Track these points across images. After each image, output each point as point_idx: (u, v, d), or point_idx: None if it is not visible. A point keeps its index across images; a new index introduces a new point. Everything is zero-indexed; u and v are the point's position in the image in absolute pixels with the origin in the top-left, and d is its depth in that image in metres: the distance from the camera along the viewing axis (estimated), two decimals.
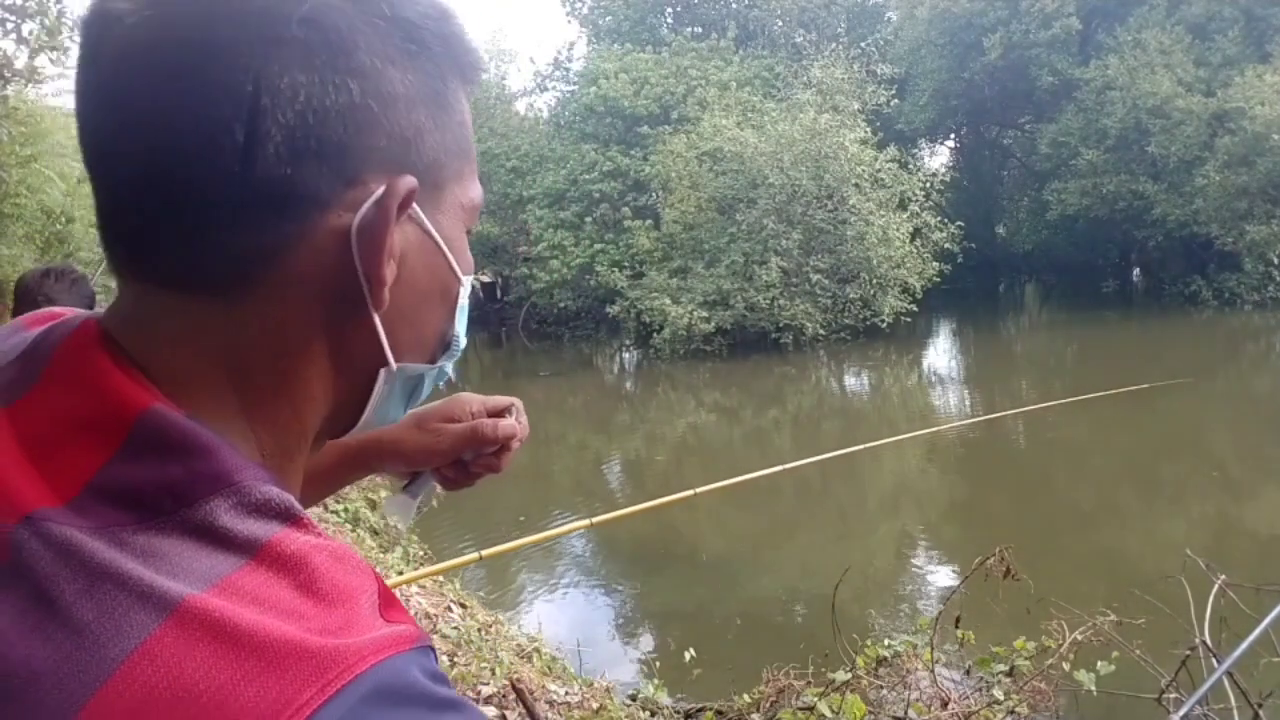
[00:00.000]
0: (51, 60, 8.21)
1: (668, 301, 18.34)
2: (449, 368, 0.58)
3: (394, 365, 0.52)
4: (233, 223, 0.44)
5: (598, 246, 22.77)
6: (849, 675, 3.08)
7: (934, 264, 19.19)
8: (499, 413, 0.90)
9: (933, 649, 3.17)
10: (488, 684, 3.39)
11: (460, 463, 0.90)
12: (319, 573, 0.42)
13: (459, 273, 0.53)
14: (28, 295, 2.35)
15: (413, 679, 0.40)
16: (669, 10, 29.48)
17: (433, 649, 0.44)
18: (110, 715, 0.36)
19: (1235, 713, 2.66)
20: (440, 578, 5.49)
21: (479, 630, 4.34)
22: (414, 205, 0.48)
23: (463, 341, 0.57)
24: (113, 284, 0.57)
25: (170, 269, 0.46)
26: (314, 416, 0.51)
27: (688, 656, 4.09)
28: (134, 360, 0.47)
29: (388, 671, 0.39)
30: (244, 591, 0.40)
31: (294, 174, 0.44)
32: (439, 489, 0.92)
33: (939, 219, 19.15)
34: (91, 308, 1.84)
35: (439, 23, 0.50)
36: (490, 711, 3.16)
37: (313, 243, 0.46)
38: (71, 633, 0.38)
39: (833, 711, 2.71)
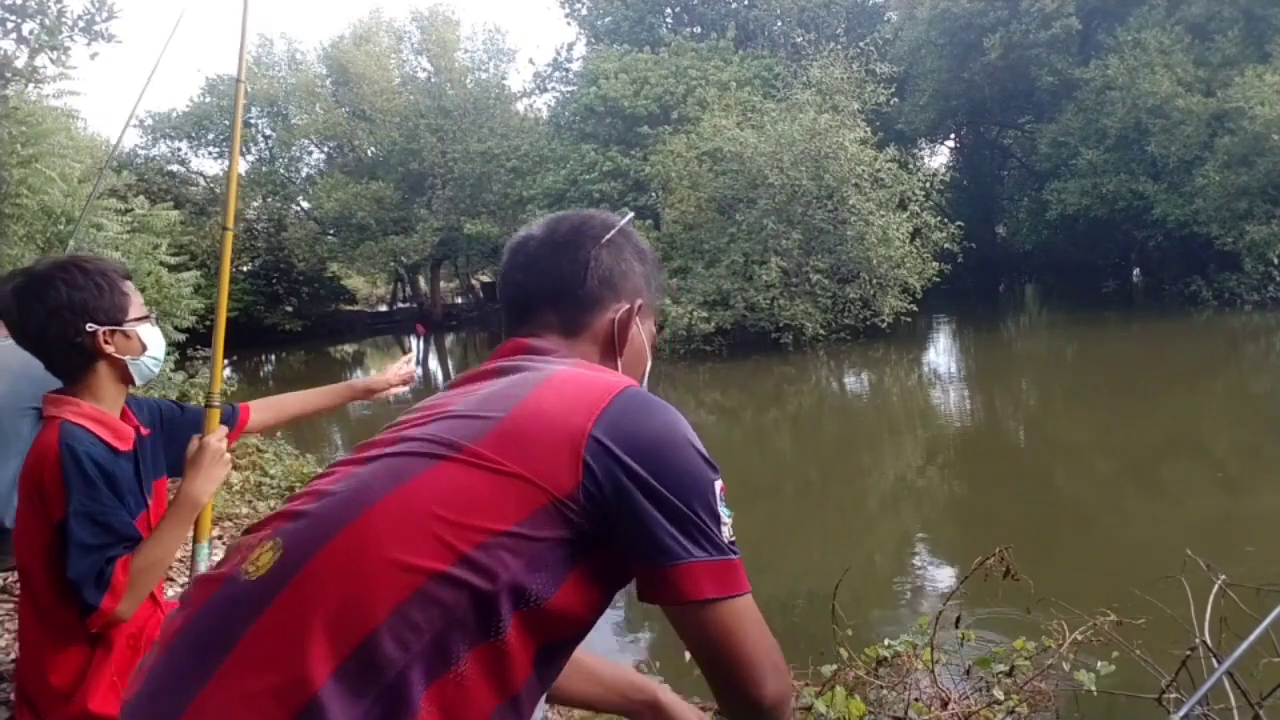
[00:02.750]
0: (51, 60, 8.21)
1: (668, 301, 18.34)
2: (643, 383, 1.22)
3: (649, 364, 1.28)
4: (574, 308, 1.18)
5: None
6: (836, 667, 3.09)
7: (934, 264, 19.18)
8: None
9: (933, 649, 3.17)
10: None
11: None
12: (605, 371, 1.14)
13: (647, 351, 1.26)
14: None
15: (644, 395, 1.05)
16: (668, 10, 29.48)
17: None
18: (550, 389, 1.02)
19: (1235, 713, 2.66)
20: None
21: None
22: (637, 316, 1.22)
23: (645, 382, 1.25)
24: None
25: (546, 324, 1.18)
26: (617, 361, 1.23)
27: (688, 656, 4.09)
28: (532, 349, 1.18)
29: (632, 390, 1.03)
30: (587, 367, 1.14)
31: (600, 292, 1.19)
32: None
33: (939, 219, 19.14)
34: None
35: (651, 254, 1.28)
36: None
37: (603, 319, 1.19)
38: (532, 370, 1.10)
39: (828, 709, 2.70)
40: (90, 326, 1.81)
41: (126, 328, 1.86)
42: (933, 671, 3.16)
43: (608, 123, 24.80)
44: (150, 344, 1.92)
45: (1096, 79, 21.92)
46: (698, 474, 0.98)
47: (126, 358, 1.88)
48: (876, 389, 15.21)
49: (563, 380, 1.01)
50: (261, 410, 2.36)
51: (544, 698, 1.10)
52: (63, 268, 1.81)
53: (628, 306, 1.19)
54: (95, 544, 1.70)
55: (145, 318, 1.92)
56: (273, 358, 27.10)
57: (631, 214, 1.29)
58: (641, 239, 1.26)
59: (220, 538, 4.98)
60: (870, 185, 18.51)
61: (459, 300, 38.54)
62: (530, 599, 0.92)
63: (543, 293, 1.18)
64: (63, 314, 1.79)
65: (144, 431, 1.95)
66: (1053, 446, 10.20)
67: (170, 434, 2.05)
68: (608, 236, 1.19)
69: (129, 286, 1.89)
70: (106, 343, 1.83)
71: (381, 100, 31.28)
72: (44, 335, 1.80)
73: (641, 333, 1.22)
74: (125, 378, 1.90)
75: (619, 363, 1.19)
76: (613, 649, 5.35)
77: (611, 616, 6.02)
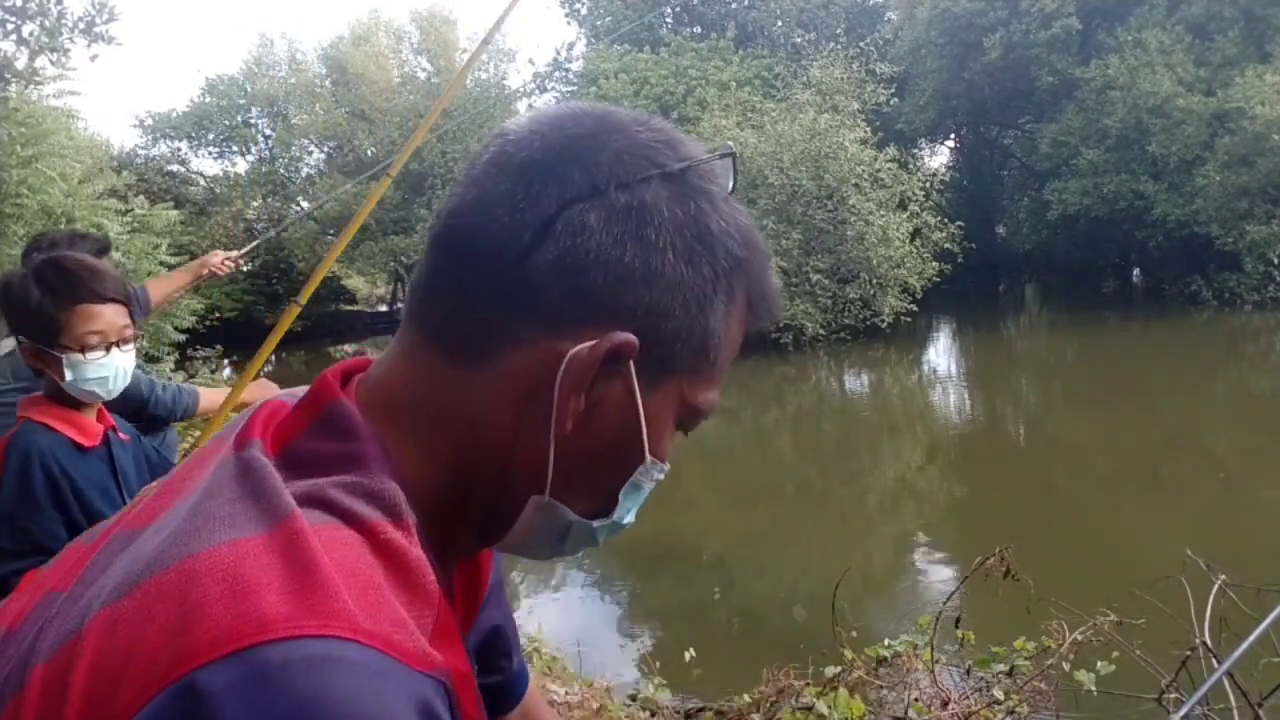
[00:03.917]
0: (52, 61, 8.21)
1: None
2: (601, 536, 0.60)
3: (545, 497, 0.56)
4: (487, 304, 0.54)
5: None
6: (839, 669, 3.09)
7: (934, 264, 19.18)
8: None
9: (933, 649, 3.17)
10: None
11: None
12: (341, 559, 0.47)
13: (647, 450, 0.57)
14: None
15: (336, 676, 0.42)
16: (668, 11, 29.49)
17: (443, 686, 0.46)
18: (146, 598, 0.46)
19: (1235, 713, 2.66)
20: None
21: None
22: (629, 366, 0.54)
23: (629, 518, 0.60)
24: None
25: (438, 324, 0.56)
26: (469, 509, 0.57)
27: (688, 656, 4.09)
28: (371, 384, 0.58)
29: (313, 650, 0.42)
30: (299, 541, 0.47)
31: (547, 288, 0.53)
32: None
33: (939, 219, 19.14)
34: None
35: (739, 246, 0.57)
36: None
37: (532, 351, 0.53)
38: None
39: (830, 709, 2.71)
40: (22, 339, 1.82)
41: (55, 351, 1.79)
42: (933, 671, 3.16)
43: None
44: (73, 375, 1.80)
45: (1097, 79, 21.92)
46: None
47: (57, 378, 1.81)
48: (876, 389, 15.21)
49: (178, 586, 0.45)
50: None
51: None
52: (28, 269, 1.81)
53: (609, 343, 0.53)
54: (9, 549, 1.70)
55: (80, 348, 1.79)
56: (273, 358, 27.00)
57: (729, 151, 0.60)
58: (729, 213, 0.57)
59: None
60: (870, 185, 18.50)
61: None
62: None
63: (449, 261, 0.56)
64: (9, 319, 1.82)
65: (122, 436, 1.95)
66: (1053, 446, 10.20)
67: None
68: (628, 179, 0.54)
69: (90, 311, 1.80)
70: (34, 358, 1.81)
71: (381, 100, 31.28)
72: (10, 334, 1.82)
73: (639, 410, 0.55)
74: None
75: (545, 474, 0.55)
76: (613, 651, 5.35)
77: (612, 616, 6.03)
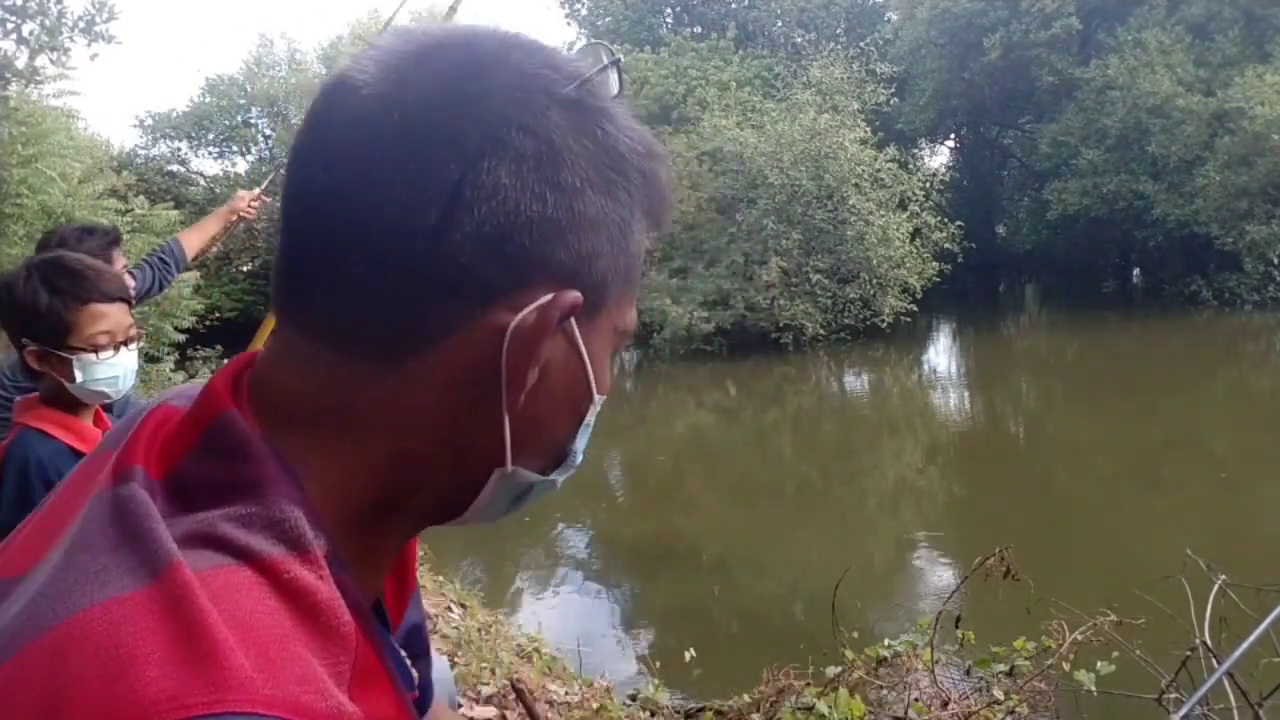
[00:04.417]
0: (52, 61, 8.22)
1: (668, 301, 18.34)
2: (560, 481, 0.57)
3: (509, 469, 0.52)
4: (401, 296, 0.47)
5: None
6: (840, 669, 3.09)
7: (934, 264, 19.19)
8: None
9: (933, 649, 3.17)
10: (488, 684, 3.39)
11: None
12: (241, 609, 0.41)
13: (595, 391, 0.54)
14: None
15: None
16: (668, 11, 29.51)
17: None
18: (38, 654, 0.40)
19: (1235, 713, 2.66)
20: (440, 578, 5.49)
21: (479, 630, 4.34)
22: (572, 320, 0.50)
23: (580, 458, 0.57)
24: None
25: (325, 323, 0.49)
26: (417, 497, 0.52)
27: (688, 656, 4.09)
28: (261, 391, 0.50)
29: None
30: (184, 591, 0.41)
31: (472, 264, 0.47)
32: None
33: (939, 219, 19.15)
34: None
35: (644, 159, 0.53)
36: (490, 712, 3.17)
37: (467, 334, 0.48)
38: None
39: (830, 709, 2.71)
40: (24, 342, 1.79)
41: (63, 352, 1.78)
42: (933, 671, 3.16)
43: None
44: (84, 376, 1.79)
45: (1096, 79, 21.92)
46: None
47: (64, 380, 1.79)
48: (876, 389, 15.22)
49: (45, 664, 0.40)
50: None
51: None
52: (30, 271, 1.79)
53: (544, 299, 0.48)
54: None
55: (92, 348, 1.79)
56: None
57: (610, 58, 0.54)
58: (629, 127, 0.52)
59: None
60: (870, 185, 18.51)
61: None
62: None
63: (333, 252, 0.48)
64: (9, 323, 1.79)
65: None
66: (1053, 446, 10.20)
67: None
68: (527, 119, 0.48)
69: (99, 310, 1.80)
70: (40, 361, 1.79)
71: None
72: (8, 337, 1.80)
73: (585, 358, 0.52)
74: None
75: (505, 449, 0.51)
76: (613, 651, 5.36)
77: (612, 616, 6.03)
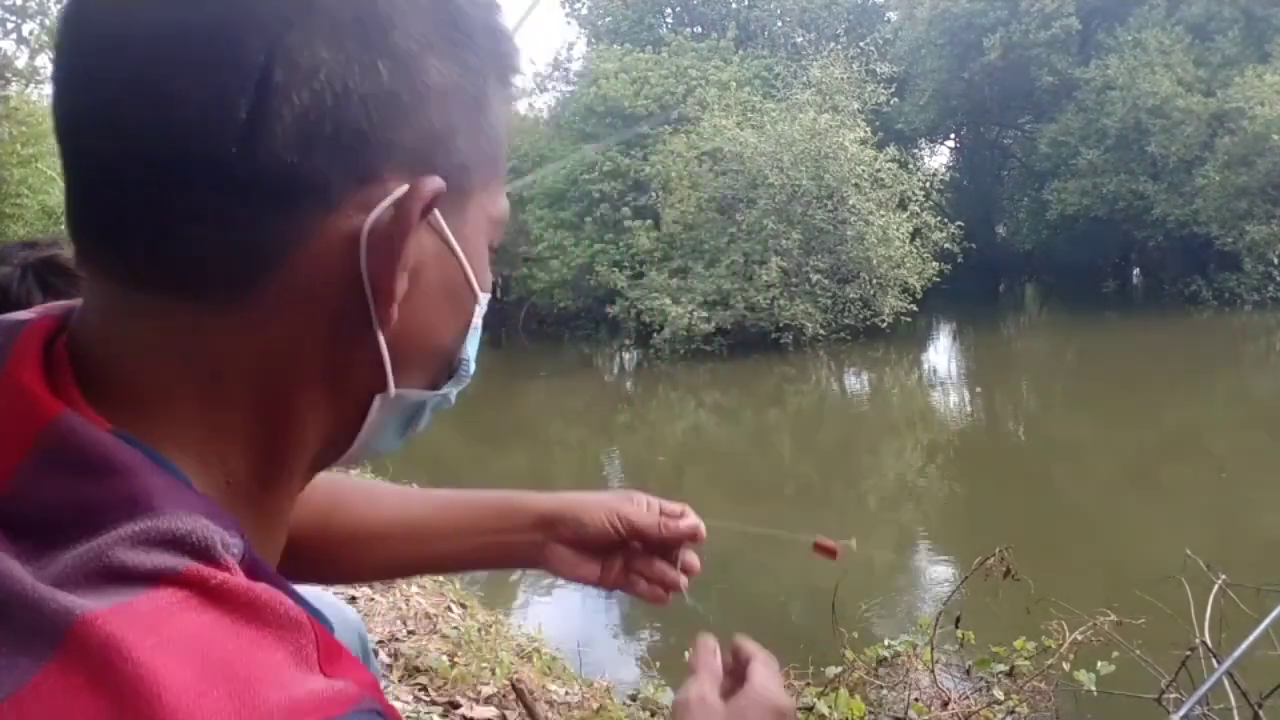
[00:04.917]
0: (52, 61, 8.22)
1: (668, 301, 18.35)
2: (454, 395, 0.51)
3: (392, 391, 0.45)
4: (223, 215, 0.39)
5: (597, 246, 22.76)
6: (840, 669, 3.10)
7: (934, 264, 19.20)
8: (673, 516, 0.88)
9: (933, 649, 3.17)
10: (488, 684, 3.39)
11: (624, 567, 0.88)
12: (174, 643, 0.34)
13: (477, 290, 0.47)
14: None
15: None
16: (668, 10, 29.50)
17: (375, 707, 0.38)
18: None
19: (1235, 713, 2.66)
20: (439, 577, 5.49)
21: (479, 630, 4.34)
22: (436, 212, 0.42)
23: (472, 366, 0.51)
24: None
25: (144, 266, 0.40)
26: (300, 445, 0.45)
27: (688, 656, 4.08)
28: (85, 368, 0.41)
29: None
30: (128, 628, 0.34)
31: (302, 163, 0.38)
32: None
33: (939, 219, 19.17)
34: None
35: (486, 11, 0.45)
36: (490, 711, 3.17)
37: (315, 246, 0.40)
38: None
39: (830, 709, 2.71)
40: None
41: None
42: (933, 671, 3.16)
43: (608, 122, 24.78)
44: None
45: (1096, 79, 21.93)
46: None
47: None
48: (876, 389, 15.22)
49: None
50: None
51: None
52: (25, 270, 1.78)
53: (399, 191, 0.41)
54: None
55: None
56: None
57: None
58: None
59: None
60: (870, 185, 18.52)
61: None
62: None
63: (134, 186, 0.39)
64: None
65: None
66: (1053, 446, 10.20)
67: None
68: None
69: None
70: None
71: None
72: None
73: (459, 254, 0.46)
74: None
75: (385, 371, 0.45)
76: (613, 651, 5.35)
77: (612, 616, 6.03)
